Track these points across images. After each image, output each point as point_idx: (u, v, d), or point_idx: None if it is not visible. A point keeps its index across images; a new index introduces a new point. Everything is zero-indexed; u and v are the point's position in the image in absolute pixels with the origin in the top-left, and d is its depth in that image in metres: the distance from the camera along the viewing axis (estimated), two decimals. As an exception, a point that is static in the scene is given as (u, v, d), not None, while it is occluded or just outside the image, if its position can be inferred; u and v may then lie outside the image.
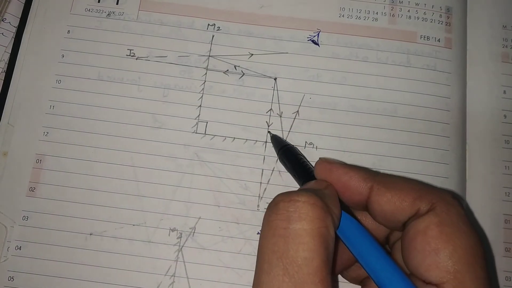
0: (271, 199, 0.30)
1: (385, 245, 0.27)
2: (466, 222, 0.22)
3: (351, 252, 0.23)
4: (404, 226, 0.23)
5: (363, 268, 0.22)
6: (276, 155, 0.32)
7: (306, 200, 0.21)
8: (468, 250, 0.21)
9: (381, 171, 0.31)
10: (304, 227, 0.20)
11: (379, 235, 0.26)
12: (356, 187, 0.24)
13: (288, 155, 0.30)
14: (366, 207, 0.24)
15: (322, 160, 0.26)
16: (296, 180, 0.29)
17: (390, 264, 0.22)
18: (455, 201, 0.22)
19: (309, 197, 0.21)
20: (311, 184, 0.25)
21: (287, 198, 0.21)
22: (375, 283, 0.22)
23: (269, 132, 0.33)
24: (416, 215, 0.22)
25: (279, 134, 0.33)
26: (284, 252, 0.19)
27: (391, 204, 0.23)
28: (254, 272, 0.21)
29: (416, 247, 0.21)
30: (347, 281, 0.28)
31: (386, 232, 0.26)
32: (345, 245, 0.23)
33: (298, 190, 0.24)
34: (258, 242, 0.21)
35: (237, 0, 0.35)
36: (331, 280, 0.20)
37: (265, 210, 0.22)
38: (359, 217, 0.26)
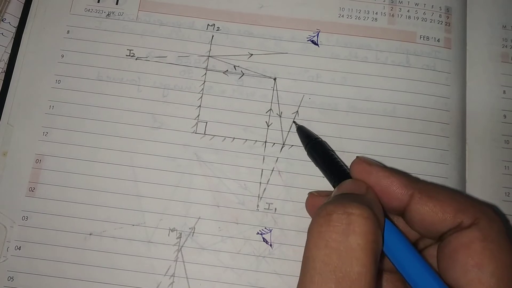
0: (273, 200, 0.30)
1: None
2: (507, 239, 0.22)
3: (393, 263, 0.23)
4: (441, 236, 0.23)
5: (407, 281, 0.22)
6: (276, 153, 0.32)
7: (360, 214, 0.20)
8: (510, 268, 0.21)
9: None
10: (358, 241, 0.20)
11: (410, 239, 0.26)
12: (396, 193, 0.24)
13: (319, 149, 0.29)
14: (402, 213, 0.24)
15: (360, 160, 0.25)
16: (327, 177, 0.28)
17: (432, 276, 0.22)
18: (497, 217, 0.22)
19: (363, 210, 0.20)
20: (349, 186, 0.25)
21: (341, 209, 0.21)
22: None
23: (294, 122, 0.32)
24: (458, 228, 0.22)
25: (278, 134, 0.33)
26: (338, 265, 0.19)
27: (432, 214, 0.23)
28: (298, 280, 0.20)
29: (458, 260, 0.21)
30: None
31: (417, 237, 0.26)
32: (387, 255, 0.23)
33: (344, 196, 0.23)
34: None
35: (237, 1, 0.35)
36: None
37: (314, 217, 0.21)
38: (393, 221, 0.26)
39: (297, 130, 0.32)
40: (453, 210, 0.22)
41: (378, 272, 0.21)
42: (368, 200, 0.23)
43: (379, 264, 0.24)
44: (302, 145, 0.32)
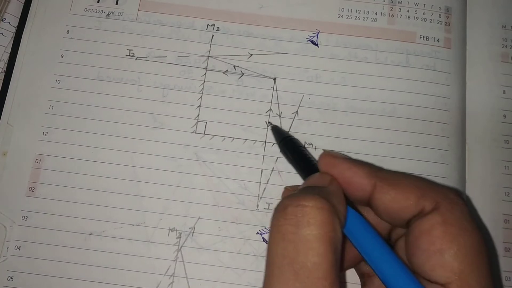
0: (273, 200, 0.30)
1: (388, 241, 0.27)
2: (470, 221, 0.22)
3: (357, 250, 0.23)
4: (408, 224, 0.23)
5: (370, 266, 0.22)
6: (275, 153, 0.32)
7: (314, 205, 0.20)
8: (472, 250, 0.21)
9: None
10: (313, 232, 0.20)
11: (382, 230, 0.26)
12: (359, 183, 0.24)
13: (290, 146, 0.30)
14: (369, 203, 0.24)
15: (326, 154, 0.26)
16: (298, 172, 0.28)
17: (397, 262, 0.22)
18: (459, 199, 0.22)
19: (317, 201, 0.21)
20: (315, 179, 0.25)
21: (295, 202, 0.21)
22: (382, 282, 0.22)
23: (269, 123, 0.33)
24: (421, 214, 0.22)
25: (278, 134, 0.33)
26: (294, 257, 0.20)
27: (395, 202, 0.23)
28: (263, 275, 0.21)
29: (420, 247, 0.21)
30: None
31: (388, 228, 0.26)
32: (351, 242, 0.23)
33: (304, 189, 0.24)
34: (265, 244, 0.21)
35: (237, 1, 0.35)
36: (338, 281, 0.20)
37: (273, 212, 0.22)
38: (362, 212, 0.26)
39: (271, 129, 0.32)
40: (415, 196, 0.22)
41: (339, 261, 0.21)
42: (327, 191, 0.23)
43: (343, 253, 0.24)
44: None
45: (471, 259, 0.20)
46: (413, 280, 0.21)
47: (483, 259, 0.21)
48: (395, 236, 0.26)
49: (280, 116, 0.33)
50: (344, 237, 0.23)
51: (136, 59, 0.34)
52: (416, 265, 0.22)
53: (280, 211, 0.21)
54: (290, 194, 0.22)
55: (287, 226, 0.20)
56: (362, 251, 0.23)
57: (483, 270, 0.21)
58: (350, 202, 0.24)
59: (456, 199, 0.22)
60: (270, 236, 0.21)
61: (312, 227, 0.20)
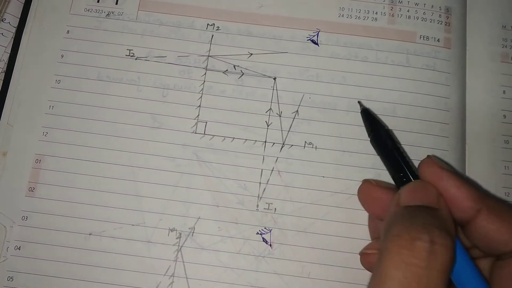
0: (273, 200, 0.30)
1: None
2: None
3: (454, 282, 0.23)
4: (499, 254, 0.23)
5: None
6: (275, 153, 0.32)
7: (443, 244, 0.21)
8: None
9: (381, 171, 0.31)
10: (439, 269, 0.20)
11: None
12: (464, 205, 0.23)
13: (386, 139, 0.28)
14: (465, 226, 0.24)
15: (432, 161, 0.25)
16: (389, 169, 0.27)
17: None
18: None
19: (446, 239, 0.21)
20: (420, 193, 0.24)
21: (426, 237, 0.21)
22: None
23: (359, 102, 0.32)
24: None
25: (278, 134, 0.33)
26: None
27: (498, 234, 0.23)
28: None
29: None
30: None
31: (470, 246, 0.26)
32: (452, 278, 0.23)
33: (420, 212, 0.23)
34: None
35: (237, 0, 0.35)
36: None
37: (393, 236, 0.21)
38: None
39: (361, 113, 0.31)
40: None
41: None
42: (444, 219, 0.23)
43: None
44: (299, 145, 0.32)
45: None
46: None
47: None
48: (474, 255, 0.26)
49: (280, 116, 0.33)
50: None
51: (136, 59, 0.34)
52: None
53: (407, 241, 0.21)
54: (411, 219, 0.22)
55: (413, 259, 0.20)
56: (459, 283, 0.23)
57: None
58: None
59: None
60: (388, 260, 0.21)
61: (439, 264, 0.20)
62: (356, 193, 0.29)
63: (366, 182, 0.28)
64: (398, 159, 0.27)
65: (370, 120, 0.30)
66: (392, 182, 0.27)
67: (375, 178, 0.30)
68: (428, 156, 0.26)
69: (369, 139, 0.29)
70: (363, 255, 0.28)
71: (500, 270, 0.23)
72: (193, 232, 0.31)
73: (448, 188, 0.24)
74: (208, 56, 0.34)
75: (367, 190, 0.28)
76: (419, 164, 0.26)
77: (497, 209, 0.23)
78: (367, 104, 0.33)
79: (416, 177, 0.26)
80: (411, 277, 0.20)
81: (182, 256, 0.31)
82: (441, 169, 0.24)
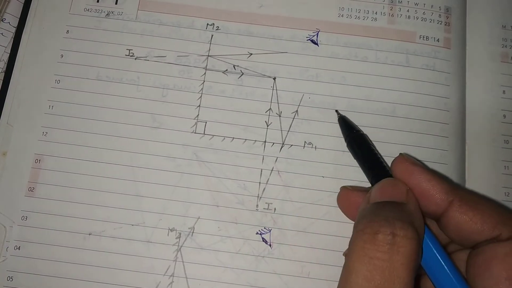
0: (272, 200, 0.30)
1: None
2: None
3: (429, 278, 0.23)
4: (473, 246, 0.23)
5: None
6: (275, 153, 0.32)
7: (405, 235, 0.21)
8: None
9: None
10: (402, 261, 0.20)
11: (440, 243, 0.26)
12: (436, 198, 0.24)
13: (360, 142, 0.29)
14: (438, 219, 0.24)
15: (403, 158, 0.25)
16: (365, 171, 0.28)
17: None
18: None
19: (408, 231, 0.21)
20: (390, 189, 0.24)
21: (387, 229, 0.21)
22: None
23: (336, 111, 0.32)
24: (495, 239, 0.22)
25: (278, 134, 0.33)
26: (380, 283, 0.20)
27: (470, 224, 0.23)
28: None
29: (491, 271, 0.22)
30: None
31: (447, 241, 0.26)
32: (424, 269, 0.23)
33: (385, 208, 0.23)
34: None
35: (237, 0, 0.35)
36: None
37: (357, 231, 0.22)
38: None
39: (338, 120, 0.32)
40: (493, 221, 0.22)
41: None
42: (410, 212, 0.23)
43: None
44: (299, 145, 0.32)
45: None
46: None
47: None
48: (451, 249, 0.26)
49: (280, 116, 0.33)
50: None
51: (135, 59, 0.34)
52: (480, 286, 0.22)
53: (369, 233, 0.21)
54: (375, 213, 0.22)
55: (375, 252, 0.21)
56: (431, 274, 0.23)
57: None
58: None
59: None
60: (354, 255, 0.21)
61: (401, 256, 0.20)
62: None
63: (343, 188, 0.29)
64: (372, 159, 0.28)
65: (346, 125, 0.31)
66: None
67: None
68: (400, 154, 0.26)
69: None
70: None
71: (476, 257, 0.23)
72: (193, 232, 0.31)
73: (420, 182, 0.24)
74: (208, 56, 0.34)
75: (345, 196, 0.29)
76: (392, 162, 0.26)
77: (468, 199, 0.23)
78: (368, 104, 0.33)
79: (389, 176, 0.26)
80: (375, 270, 0.20)
81: (181, 256, 0.31)
82: (412, 165, 0.25)
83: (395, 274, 0.20)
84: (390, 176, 0.26)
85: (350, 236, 0.23)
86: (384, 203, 0.24)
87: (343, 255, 0.27)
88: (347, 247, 0.31)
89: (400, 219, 0.21)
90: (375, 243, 0.21)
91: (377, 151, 0.29)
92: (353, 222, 0.28)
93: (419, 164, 0.25)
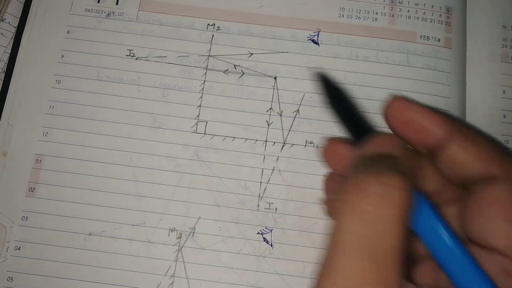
0: (274, 199, 0.30)
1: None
2: None
3: (424, 243, 0.22)
4: (466, 186, 0.22)
5: (437, 263, 0.21)
6: (276, 152, 0.32)
7: (396, 185, 0.19)
8: None
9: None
10: (393, 213, 0.19)
11: (428, 188, 0.25)
12: (435, 131, 0.23)
13: (341, 96, 0.28)
14: (434, 153, 0.23)
15: (399, 98, 0.24)
16: (348, 128, 0.27)
17: (474, 267, 0.20)
18: None
19: (399, 180, 0.19)
20: (379, 140, 0.23)
21: (374, 179, 0.20)
22: (451, 281, 0.21)
23: (316, 72, 0.31)
24: (489, 178, 0.21)
25: (279, 133, 0.33)
26: (371, 237, 0.19)
27: (467, 156, 0.22)
28: (327, 249, 0.20)
29: (485, 213, 0.21)
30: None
31: (434, 188, 0.25)
32: (418, 236, 0.22)
33: (377, 160, 0.22)
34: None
35: (237, 0, 0.35)
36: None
37: (346, 186, 0.20)
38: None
39: (317, 76, 0.30)
40: (490, 157, 0.22)
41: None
42: (401, 164, 0.21)
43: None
44: (300, 145, 0.32)
45: None
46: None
47: None
48: (440, 201, 0.25)
49: (281, 115, 0.33)
50: None
51: (136, 59, 0.34)
52: (475, 231, 0.21)
53: (357, 186, 0.20)
54: (363, 164, 0.21)
55: (364, 205, 0.19)
56: (430, 247, 0.22)
57: None
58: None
59: None
60: (342, 210, 0.20)
61: (392, 208, 0.19)
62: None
63: (328, 140, 0.27)
64: (355, 114, 0.27)
65: (328, 85, 0.29)
66: None
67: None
68: (395, 96, 0.25)
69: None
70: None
71: (468, 201, 0.22)
72: (194, 232, 0.31)
73: (418, 116, 0.23)
74: (209, 56, 0.34)
75: (333, 148, 0.27)
76: (386, 104, 0.25)
77: (470, 134, 0.23)
78: (369, 104, 0.33)
79: (374, 130, 0.25)
80: (365, 224, 0.19)
81: (182, 256, 0.31)
82: (409, 102, 0.24)
83: (387, 228, 0.19)
84: (375, 130, 0.25)
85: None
86: (374, 156, 0.22)
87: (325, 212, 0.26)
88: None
89: (390, 169, 0.20)
90: (363, 195, 0.19)
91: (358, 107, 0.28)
92: None
93: (415, 101, 0.24)
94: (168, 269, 0.31)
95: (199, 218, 0.31)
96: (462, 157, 0.22)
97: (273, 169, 0.32)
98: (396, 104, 0.24)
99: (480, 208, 0.21)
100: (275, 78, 0.33)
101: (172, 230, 0.31)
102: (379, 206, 0.19)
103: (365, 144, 0.23)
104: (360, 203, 0.19)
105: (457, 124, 0.23)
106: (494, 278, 0.20)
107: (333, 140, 0.27)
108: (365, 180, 0.20)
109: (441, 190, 0.25)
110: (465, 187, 0.23)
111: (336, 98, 0.28)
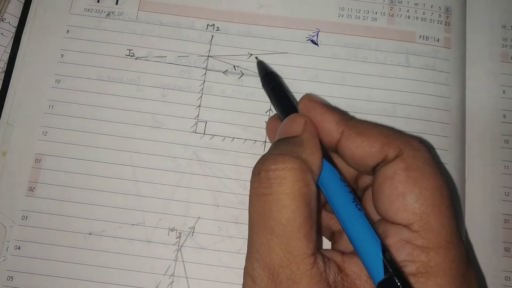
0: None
1: (356, 191, 0.27)
2: (432, 166, 0.22)
3: (328, 202, 0.24)
4: (373, 171, 0.24)
5: (338, 220, 0.23)
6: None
7: (285, 167, 0.22)
8: (434, 192, 0.22)
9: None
10: (285, 191, 0.21)
11: (350, 178, 0.27)
12: (329, 129, 0.25)
13: (273, 82, 0.30)
14: (336, 149, 0.25)
15: (305, 97, 0.26)
16: (278, 109, 0.29)
17: (360, 217, 0.22)
18: (421, 146, 0.23)
19: (287, 162, 0.22)
20: (289, 123, 0.25)
21: (266, 166, 0.22)
22: (346, 235, 0.23)
23: (256, 57, 0.33)
24: (385, 161, 0.23)
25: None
26: (269, 215, 0.21)
27: (360, 149, 0.24)
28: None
29: (384, 192, 0.22)
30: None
31: (355, 174, 0.27)
32: (323, 195, 0.24)
33: (276, 145, 0.24)
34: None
35: (236, 0, 0.35)
36: (315, 230, 0.22)
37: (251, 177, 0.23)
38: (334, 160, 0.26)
39: (257, 64, 0.33)
40: (379, 144, 0.23)
41: (315, 212, 0.22)
42: (300, 141, 0.24)
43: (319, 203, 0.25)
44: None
45: (432, 201, 0.21)
46: (374, 236, 0.21)
47: (444, 200, 0.22)
48: (363, 185, 0.27)
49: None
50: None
51: (136, 59, 0.34)
52: (381, 210, 0.23)
53: (255, 174, 0.23)
54: (264, 156, 0.23)
55: (261, 189, 0.22)
56: (332, 204, 0.23)
57: (444, 210, 0.21)
58: (325, 151, 0.25)
59: (419, 146, 0.23)
60: (249, 198, 0.23)
61: (284, 186, 0.21)
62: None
63: (270, 118, 0.31)
64: (282, 98, 0.29)
65: (262, 67, 0.32)
66: None
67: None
68: (306, 94, 0.28)
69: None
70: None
71: (373, 185, 0.23)
72: (193, 232, 0.31)
73: (315, 115, 0.25)
74: (208, 56, 0.34)
75: (272, 123, 0.30)
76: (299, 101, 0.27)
77: (357, 127, 0.24)
78: (368, 104, 0.33)
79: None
80: (263, 205, 0.22)
81: (182, 256, 0.31)
82: (310, 101, 0.26)
83: (281, 204, 0.21)
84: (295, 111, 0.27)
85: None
86: (279, 140, 0.25)
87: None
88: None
89: (282, 152, 0.23)
90: (259, 180, 0.22)
91: (290, 92, 0.30)
92: None
93: (319, 100, 0.26)
94: (168, 268, 0.31)
95: (199, 218, 0.31)
96: (353, 149, 0.24)
97: (272, 169, 0.32)
98: (301, 103, 0.26)
99: (380, 188, 0.23)
100: (275, 78, 0.33)
101: (172, 230, 0.31)
102: (273, 187, 0.22)
103: (280, 127, 0.26)
104: (258, 188, 0.22)
105: (347, 120, 0.25)
106: (396, 247, 0.21)
107: (272, 118, 0.30)
108: (259, 168, 0.22)
109: (359, 177, 0.27)
110: (369, 172, 0.25)
111: (271, 83, 0.30)
